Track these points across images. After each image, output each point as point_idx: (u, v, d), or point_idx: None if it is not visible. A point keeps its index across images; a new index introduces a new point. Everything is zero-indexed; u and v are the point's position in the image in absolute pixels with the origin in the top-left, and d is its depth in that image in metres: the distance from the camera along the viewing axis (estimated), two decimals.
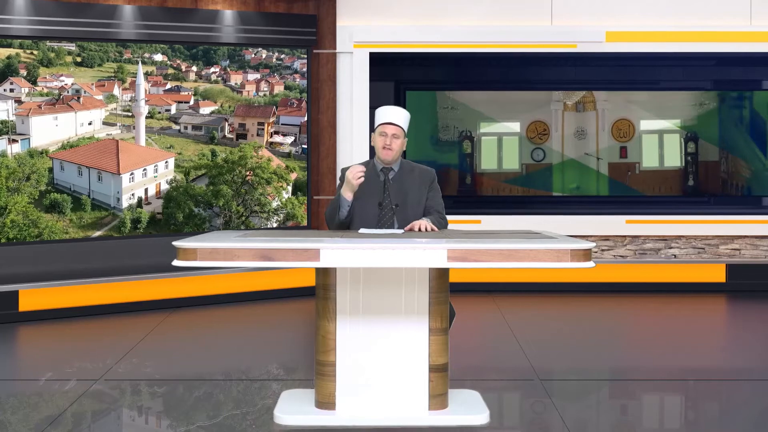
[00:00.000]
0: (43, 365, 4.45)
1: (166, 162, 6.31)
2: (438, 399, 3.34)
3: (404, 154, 6.89)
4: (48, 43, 5.91)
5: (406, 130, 3.69)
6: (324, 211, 6.64)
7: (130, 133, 6.19)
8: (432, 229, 3.51)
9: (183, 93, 6.41)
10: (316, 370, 3.39)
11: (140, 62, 6.22)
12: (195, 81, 6.44)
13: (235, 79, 6.56)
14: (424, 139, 6.89)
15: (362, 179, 3.51)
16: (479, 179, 7.01)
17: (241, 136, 6.55)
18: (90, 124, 6.06)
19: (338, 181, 3.77)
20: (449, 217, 3.82)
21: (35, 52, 5.87)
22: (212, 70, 6.49)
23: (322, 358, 3.35)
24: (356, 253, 3.00)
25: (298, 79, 6.70)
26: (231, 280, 6.18)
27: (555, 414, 3.52)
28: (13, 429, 3.39)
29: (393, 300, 3.33)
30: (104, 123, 6.11)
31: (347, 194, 3.57)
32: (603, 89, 6.86)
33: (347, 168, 3.78)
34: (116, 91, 6.16)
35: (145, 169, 6.23)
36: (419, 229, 3.48)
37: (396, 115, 3.66)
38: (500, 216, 6.65)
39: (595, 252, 6.70)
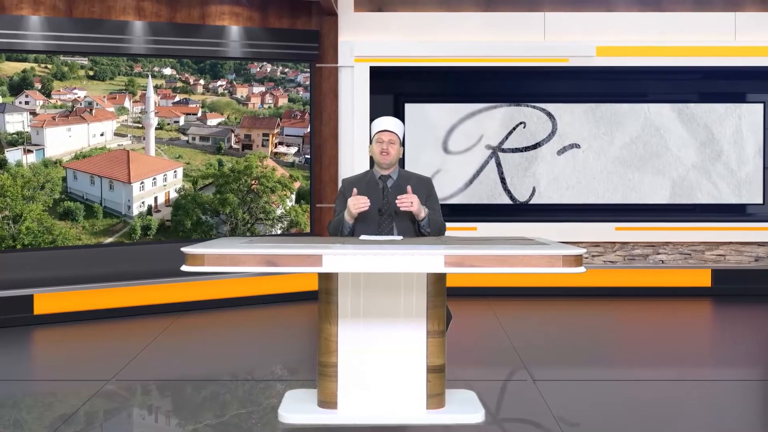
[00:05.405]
0: (56, 366, 4.50)
1: (175, 171, 6.34)
2: (435, 398, 3.38)
3: (403, 164, 7.01)
4: (62, 58, 5.95)
5: (401, 137, 3.76)
6: (326, 219, 6.79)
7: (141, 144, 6.23)
8: (419, 213, 3.57)
9: (191, 105, 6.44)
10: (318, 371, 3.43)
11: (150, 76, 6.26)
12: (202, 94, 6.48)
13: (241, 92, 6.59)
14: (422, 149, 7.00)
15: (364, 208, 3.56)
16: None
17: (247, 146, 6.59)
18: (102, 135, 6.10)
19: (338, 194, 3.82)
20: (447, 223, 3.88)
21: (49, 66, 5.91)
22: (219, 83, 6.51)
23: (325, 360, 3.39)
24: (357, 259, 3.01)
25: (301, 92, 6.75)
26: (237, 285, 6.21)
27: (548, 413, 3.55)
28: (28, 427, 3.44)
29: (392, 304, 3.36)
30: (116, 134, 6.15)
31: (349, 218, 3.62)
32: (594, 102, 6.90)
33: (347, 179, 3.85)
34: (127, 103, 6.20)
35: (154, 178, 6.26)
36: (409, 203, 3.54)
37: (390, 124, 3.74)
38: (496, 223, 6.73)
39: (586, 258, 6.69)
